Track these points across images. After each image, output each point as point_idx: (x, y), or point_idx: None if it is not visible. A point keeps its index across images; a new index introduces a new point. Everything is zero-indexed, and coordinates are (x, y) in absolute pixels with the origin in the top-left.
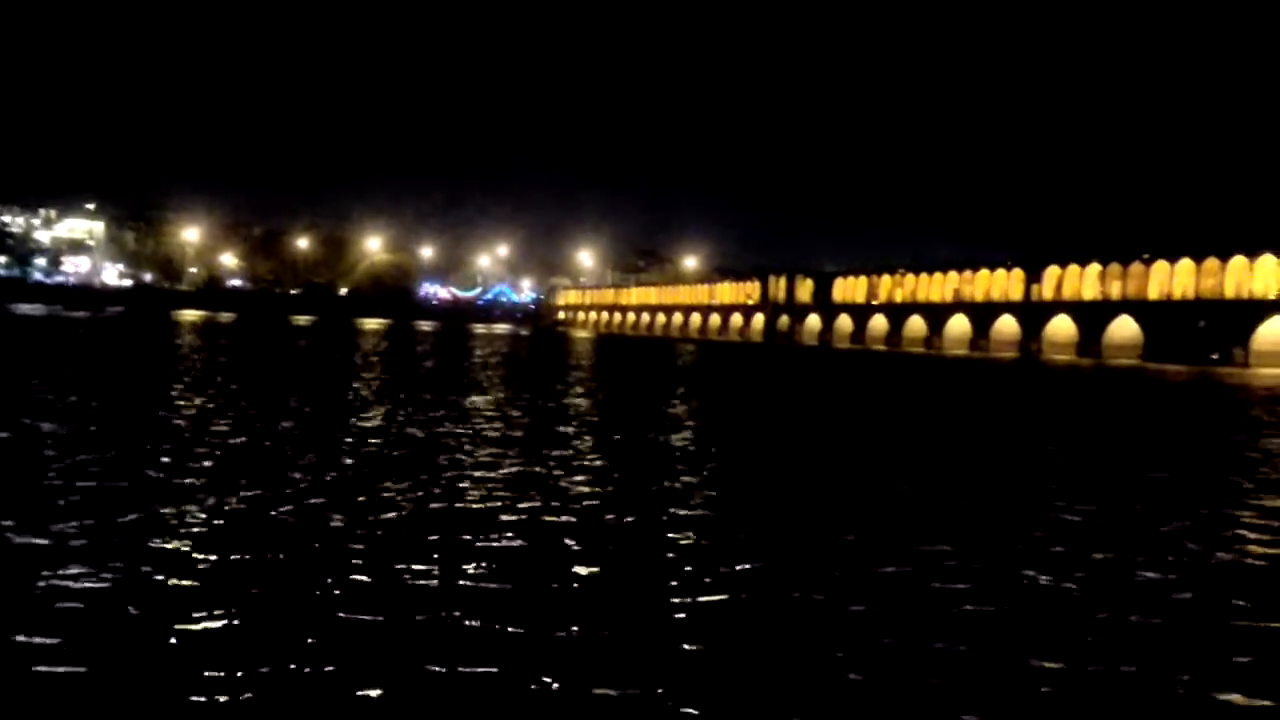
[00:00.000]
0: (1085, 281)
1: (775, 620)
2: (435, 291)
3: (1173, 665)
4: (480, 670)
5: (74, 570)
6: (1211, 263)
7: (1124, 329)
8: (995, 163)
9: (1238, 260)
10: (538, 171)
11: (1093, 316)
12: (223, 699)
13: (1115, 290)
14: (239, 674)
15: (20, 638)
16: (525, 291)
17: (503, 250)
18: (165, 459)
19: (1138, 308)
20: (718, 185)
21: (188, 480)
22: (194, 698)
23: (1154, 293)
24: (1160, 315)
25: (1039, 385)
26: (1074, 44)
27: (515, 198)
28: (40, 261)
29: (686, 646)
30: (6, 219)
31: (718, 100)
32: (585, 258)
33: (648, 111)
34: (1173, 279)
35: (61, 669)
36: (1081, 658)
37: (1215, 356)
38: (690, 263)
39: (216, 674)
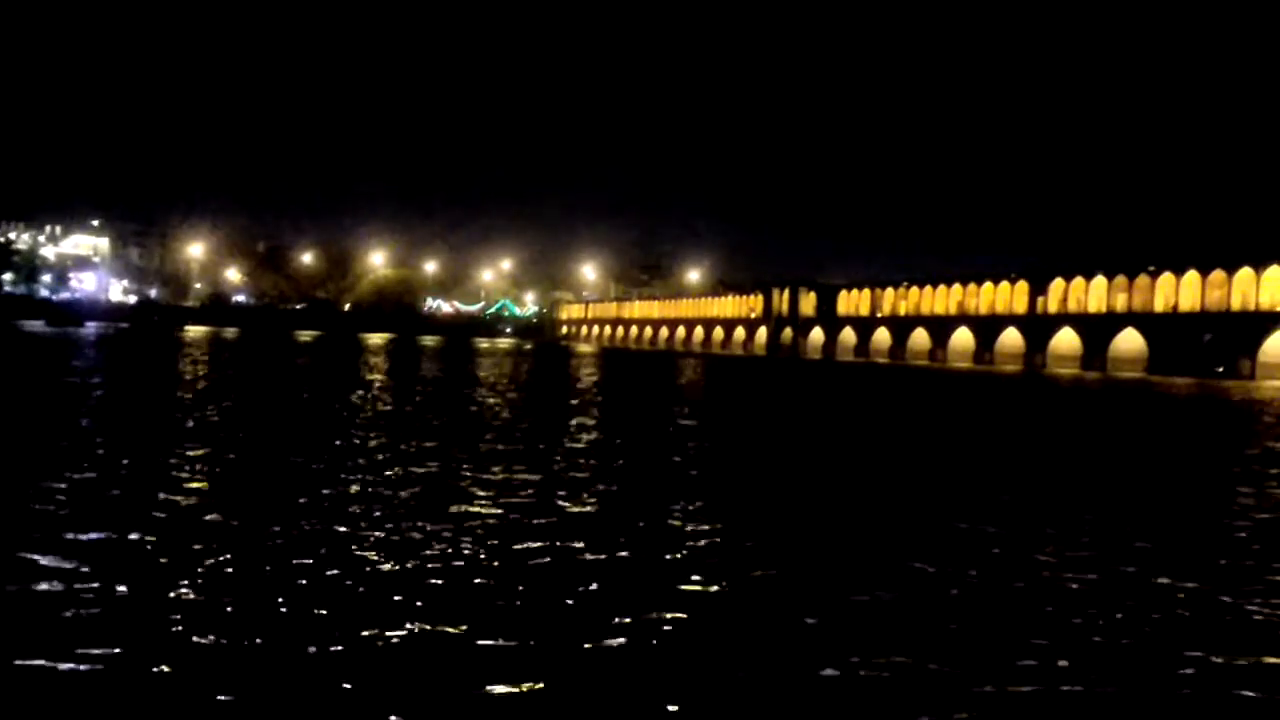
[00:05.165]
0: (1090, 294)
1: (774, 640)
2: (439, 306)
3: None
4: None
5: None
6: (1218, 274)
7: (1129, 342)
8: (999, 175)
9: (1244, 272)
10: (540, 186)
11: (1098, 329)
12: None
13: (1120, 303)
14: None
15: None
16: (528, 305)
17: (506, 264)
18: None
19: (1143, 320)
20: (719, 198)
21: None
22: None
23: (1159, 305)
24: (1166, 328)
25: (1045, 399)
26: (1077, 54)
27: (518, 212)
28: (46, 278)
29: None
30: (12, 235)
31: (720, 113)
32: (588, 271)
33: (649, 125)
34: (1178, 291)
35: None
36: (1081, 674)
37: (1220, 369)
38: (693, 276)
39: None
